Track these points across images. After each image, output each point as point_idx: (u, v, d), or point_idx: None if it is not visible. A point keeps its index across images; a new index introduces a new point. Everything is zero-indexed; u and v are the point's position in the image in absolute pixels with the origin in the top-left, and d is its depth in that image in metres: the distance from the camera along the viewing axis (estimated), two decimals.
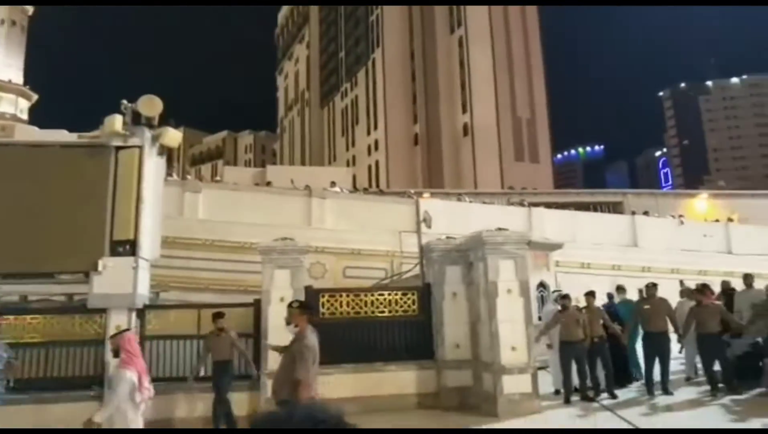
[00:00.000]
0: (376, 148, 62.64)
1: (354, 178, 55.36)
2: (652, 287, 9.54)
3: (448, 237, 9.77)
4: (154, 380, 8.35)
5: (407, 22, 62.79)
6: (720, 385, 8.79)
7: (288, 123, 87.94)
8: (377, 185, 52.75)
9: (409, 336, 9.02)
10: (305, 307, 5.22)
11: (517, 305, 8.37)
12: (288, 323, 5.75)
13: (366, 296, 9.04)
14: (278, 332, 8.25)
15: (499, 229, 8.78)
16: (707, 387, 8.94)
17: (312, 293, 8.87)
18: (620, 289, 10.79)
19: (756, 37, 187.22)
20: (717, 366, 8.91)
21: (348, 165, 65.30)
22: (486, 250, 8.47)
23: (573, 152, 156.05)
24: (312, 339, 4.78)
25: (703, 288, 9.60)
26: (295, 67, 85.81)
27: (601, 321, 9.26)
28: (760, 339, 9.07)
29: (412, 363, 8.85)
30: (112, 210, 8.27)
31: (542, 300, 12.59)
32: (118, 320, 7.99)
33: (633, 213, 25.44)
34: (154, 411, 7.94)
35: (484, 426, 7.43)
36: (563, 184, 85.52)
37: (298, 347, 4.72)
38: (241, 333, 8.52)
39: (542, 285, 13.41)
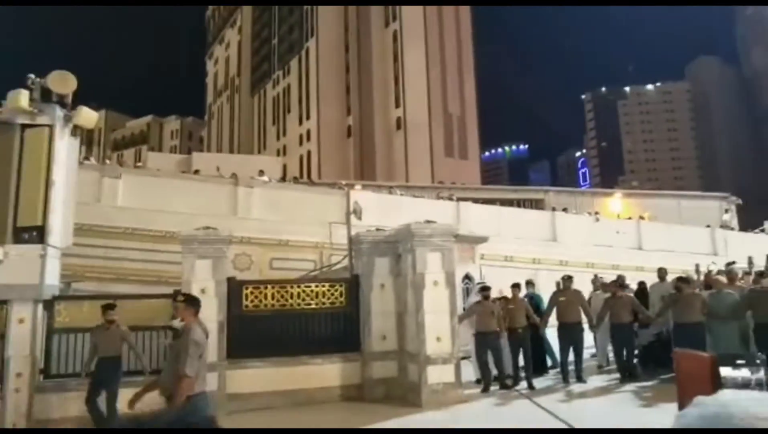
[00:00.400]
0: (308, 138, 61.93)
1: (284, 168, 54.49)
2: (567, 279, 9.99)
3: (377, 229, 9.78)
4: (60, 376, 7.85)
5: (342, 13, 62.35)
6: (632, 371, 9.38)
7: (217, 109, 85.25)
8: (308, 176, 52.23)
9: (336, 328, 8.95)
10: (191, 301, 5.05)
11: (443, 297, 8.50)
12: (173, 317, 5.53)
13: (292, 288, 8.87)
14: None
15: (428, 222, 8.89)
16: (618, 375, 9.51)
17: (235, 285, 8.62)
18: (529, 283, 11.20)
19: (670, 46, 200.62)
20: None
21: (279, 155, 64.26)
22: (414, 242, 8.55)
23: (500, 150, 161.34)
24: (198, 333, 4.63)
25: (612, 283, 10.24)
26: (225, 52, 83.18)
27: (525, 312, 9.59)
28: (664, 329, 9.74)
29: (338, 355, 8.79)
30: (17, 194, 7.63)
31: (467, 292, 12.86)
32: (21, 312, 7.41)
33: (553, 210, 26.58)
34: (50, 410, 7.44)
35: (406, 417, 7.50)
36: (490, 180, 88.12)
37: (184, 342, 4.55)
38: (157, 326, 8.12)
39: (468, 277, 13.69)
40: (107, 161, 25.55)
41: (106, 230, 15.51)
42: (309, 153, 61.38)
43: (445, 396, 8.08)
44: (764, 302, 8.23)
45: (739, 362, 4.68)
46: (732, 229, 30.82)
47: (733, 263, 11.62)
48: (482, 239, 14.85)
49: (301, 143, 63.12)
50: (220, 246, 8.37)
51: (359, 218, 11.36)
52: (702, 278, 11.00)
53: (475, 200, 25.98)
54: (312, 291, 8.92)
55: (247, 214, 17.48)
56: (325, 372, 8.68)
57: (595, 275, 12.73)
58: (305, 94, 63.24)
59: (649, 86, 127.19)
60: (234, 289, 8.56)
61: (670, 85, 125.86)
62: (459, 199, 24.66)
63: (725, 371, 4.63)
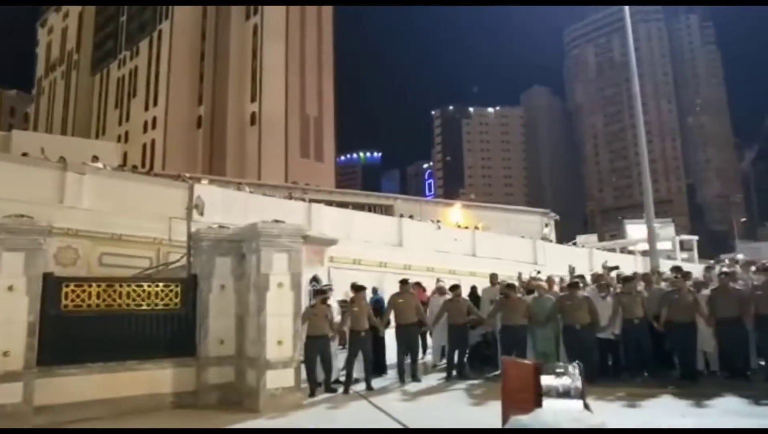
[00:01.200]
0: (154, 126, 57.74)
1: (125, 156, 50.14)
2: (405, 283, 10.43)
3: (221, 226, 9.34)
4: None
5: None
6: (461, 371, 10.03)
7: (49, 85, 76.01)
8: (151, 166, 48.59)
9: (169, 332, 8.35)
10: None
11: (287, 299, 8.35)
12: None
13: (121, 287, 8.08)
14: (3, 327, 6.99)
15: (277, 221, 8.69)
16: (452, 373, 10.12)
17: (53, 282, 7.65)
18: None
19: (511, 74, 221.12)
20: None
21: (120, 141, 58.98)
22: (261, 242, 8.30)
23: (355, 155, 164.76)
24: None
25: (453, 287, 10.94)
26: (63, 22, 74.47)
27: (367, 315, 9.72)
28: (490, 331, 10.61)
29: (171, 360, 8.21)
30: None
31: (314, 294, 12.85)
32: None
33: (401, 216, 27.79)
34: None
35: (241, 423, 7.25)
36: (344, 184, 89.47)
37: None
38: None
39: (315, 280, 13.64)
40: None
41: None
42: (153, 142, 57.26)
43: (284, 400, 7.95)
44: (572, 308, 9.34)
45: (559, 371, 5.06)
46: (551, 241, 34.87)
47: (539, 272, 12.95)
48: (332, 242, 14.93)
49: (145, 130, 58.65)
50: (36, 237, 7.38)
51: (201, 214, 10.72)
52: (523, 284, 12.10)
53: (329, 203, 26.22)
54: (144, 291, 8.24)
55: (76, 203, 15.71)
56: (156, 378, 8.07)
57: (438, 279, 13.47)
58: (154, 79, 58.94)
59: (490, 109, 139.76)
60: (51, 286, 7.60)
61: (507, 110, 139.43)
62: (312, 200, 24.67)
63: (547, 379, 4.97)
